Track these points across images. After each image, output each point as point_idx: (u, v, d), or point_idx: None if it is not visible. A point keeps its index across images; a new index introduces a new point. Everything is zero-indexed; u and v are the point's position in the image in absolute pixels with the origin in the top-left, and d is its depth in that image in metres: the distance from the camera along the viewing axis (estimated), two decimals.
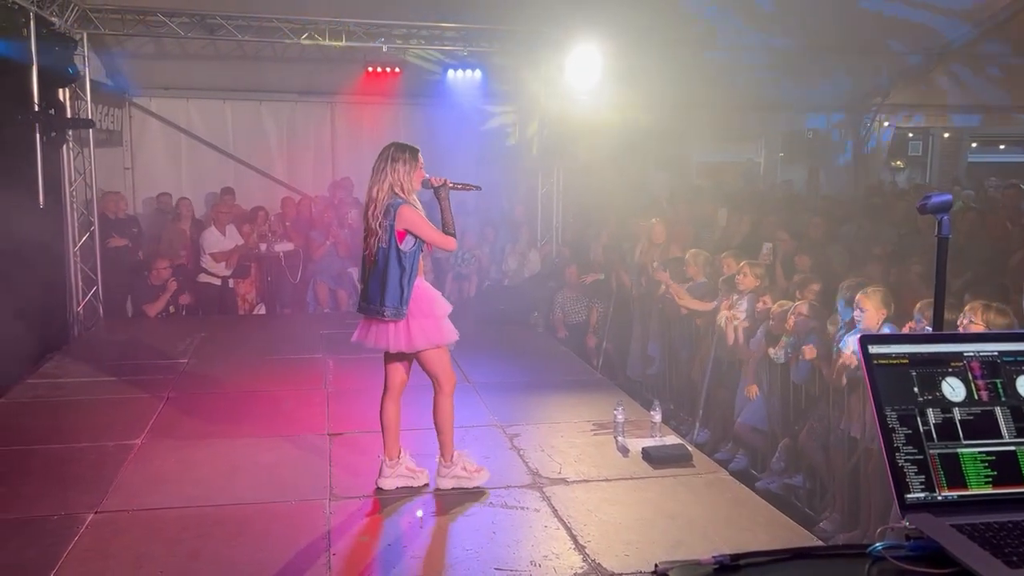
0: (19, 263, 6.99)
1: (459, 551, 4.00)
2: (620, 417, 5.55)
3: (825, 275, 6.27)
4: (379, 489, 4.65)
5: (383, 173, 4.38)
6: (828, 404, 5.38)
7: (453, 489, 4.63)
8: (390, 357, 4.60)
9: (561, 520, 4.34)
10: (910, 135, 15.57)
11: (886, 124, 13.15)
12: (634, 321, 8.27)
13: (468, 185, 4.72)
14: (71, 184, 8.85)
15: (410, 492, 4.66)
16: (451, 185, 4.59)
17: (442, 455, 4.65)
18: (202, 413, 6.02)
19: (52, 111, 7.66)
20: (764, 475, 5.93)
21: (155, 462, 5.07)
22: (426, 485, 4.72)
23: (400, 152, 4.41)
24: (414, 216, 4.36)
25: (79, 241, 9.03)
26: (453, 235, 4.54)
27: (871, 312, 4.92)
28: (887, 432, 1.40)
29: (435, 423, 4.63)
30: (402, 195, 4.37)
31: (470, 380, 6.97)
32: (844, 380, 5.03)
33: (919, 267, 6.00)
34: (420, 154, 4.47)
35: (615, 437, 5.52)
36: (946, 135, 15.79)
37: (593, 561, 3.90)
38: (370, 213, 4.38)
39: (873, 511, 4.90)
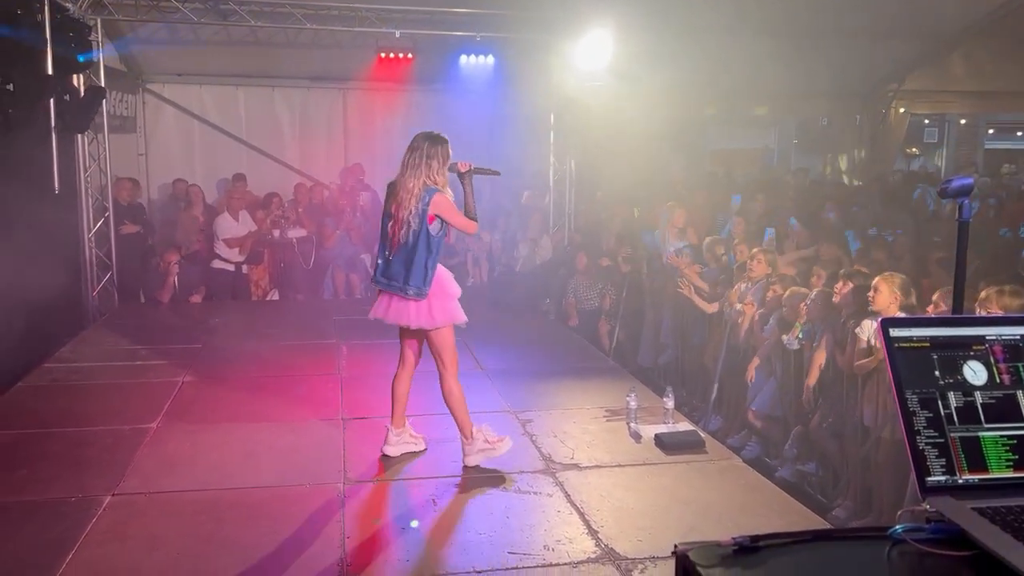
0: (35, 248, 7.04)
1: (472, 535, 4.01)
2: (633, 403, 5.55)
3: (839, 263, 6.24)
4: (385, 456, 4.89)
5: (419, 169, 4.53)
6: (842, 391, 5.36)
7: (480, 465, 4.74)
8: (407, 334, 4.80)
9: (574, 505, 4.35)
10: (926, 122, 15.45)
11: (901, 111, 13.02)
12: (646, 308, 8.26)
13: (489, 170, 4.85)
14: (86, 170, 8.90)
15: (423, 476, 4.70)
16: (474, 170, 4.74)
17: (463, 435, 4.78)
18: (217, 398, 6.07)
19: (67, 97, 7.68)
20: (776, 461, 5.93)
21: (170, 445, 5.11)
22: (425, 450, 4.98)
23: (434, 147, 4.56)
24: (446, 203, 4.56)
25: (94, 227, 9.08)
26: (475, 219, 4.74)
27: (885, 296, 4.90)
28: (908, 415, 1.40)
29: (448, 406, 4.77)
30: (436, 186, 4.55)
31: (482, 366, 6.99)
32: (874, 362, 4.99)
33: (938, 253, 5.97)
34: (449, 144, 4.64)
35: (628, 423, 5.52)
36: (962, 121, 15.66)
37: (606, 546, 3.91)
38: (403, 204, 4.53)
39: (886, 498, 4.89)
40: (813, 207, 8.38)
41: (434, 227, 4.55)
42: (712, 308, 7.01)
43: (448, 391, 4.73)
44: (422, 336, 4.77)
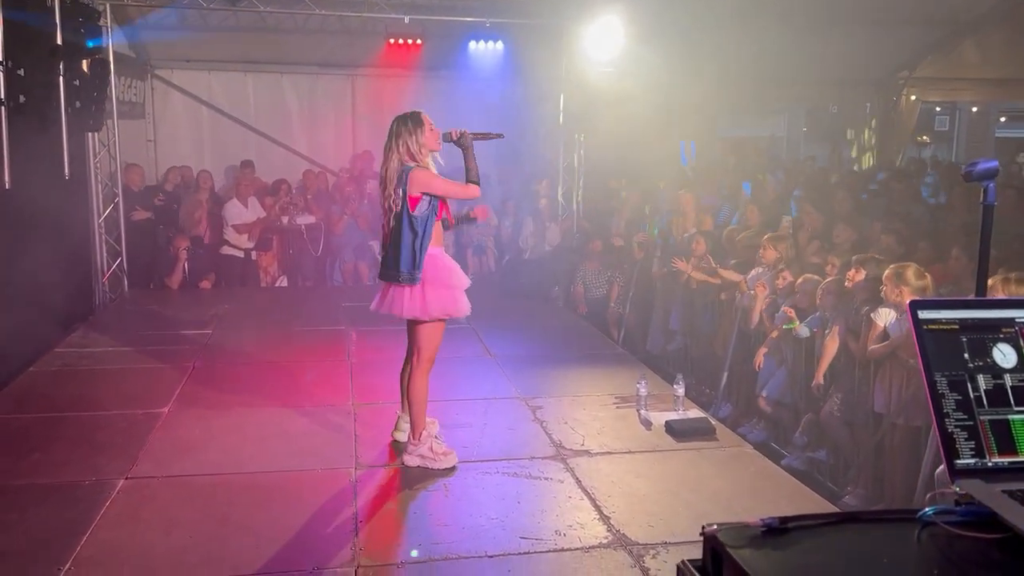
0: (45, 234, 7.05)
1: (484, 520, 4.02)
2: (643, 391, 5.55)
3: (851, 249, 6.21)
4: (395, 441, 4.89)
5: (391, 151, 4.46)
6: (854, 378, 5.34)
7: (419, 468, 4.59)
8: (410, 323, 4.67)
9: (585, 491, 4.35)
10: (937, 109, 15.35)
11: (912, 98, 12.93)
12: (656, 295, 8.25)
13: (489, 134, 4.68)
14: (95, 156, 8.90)
15: None
16: (471, 135, 4.55)
17: (412, 433, 4.65)
18: (228, 383, 6.08)
19: (76, 82, 7.67)
20: (787, 449, 5.92)
21: (183, 430, 5.13)
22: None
23: (402, 124, 4.47)
24: (426, 177, 4.39)
25: (103, 213, 9.09)
26: (476, 183, 4.50)
27: (890, 291, 4.88)
28: (937, 398, 1.39)
29: (408, 399, 4.66)
30: (412, 162, 4.42)
31: (492, 353, 7.00)
32: (886, 350, 4.97)
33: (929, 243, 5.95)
34: (423, 114, 4.51)
35: (638, 410, 5.52)
36: (974, 109, 15.55)
37: (618, 531, 3.92)
38: (386, 189, 4.46)
39: (897, 486, 4.89)
40: (824, 192, 8.34)
41: (419, 208, 4.38)
42: (737, 277, 6.91)
43: (414, 385, 4.58)
44: None
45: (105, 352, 6.94)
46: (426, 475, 4.53)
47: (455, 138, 4.54)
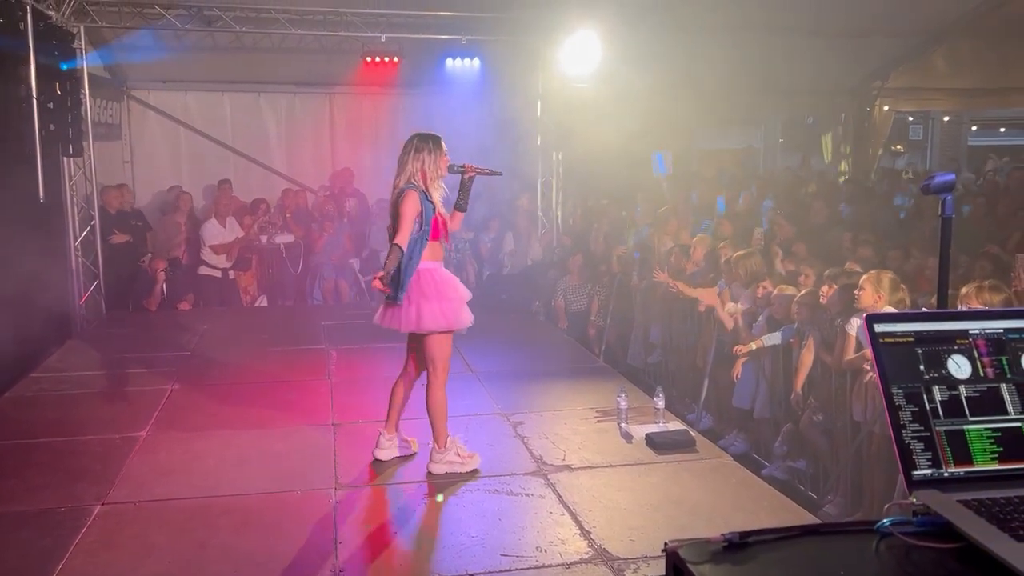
0: (21, 257, 6.98)
1: (464, 538, 4.01)
2: (623, 404, 5.56)
3: (826, 260, 6.27)
4: (376, 460, 4.90)
5: (405, 165, 4.51)
6: (831, 388, 5.39)
7: (446, 474, 4.68)
8: (412, 341, 4.75)
9: (566, 506, 4.35)
10: (910, 119, 15.56)
11: (886, 108, 13.11)
12: (635, 308, 8.29)
13: (492, 171, 4.85)
14: (71, 178, 8.85)
15: (415, 480, 4.69)
16: (477, 170, 4.72)
17: (435, 441, 4.73)
18: (207, 405, 6.04)
19: (51, 105, 7.63)
20: (767, 462, 5.95)
21: (161, 454, 5.09)
22: (415, 454, 4.92)
23: (424, 142, 4.54)
24: (407, 203, 4.41)
25: (80, 235, 9.03)
26: (463, 210, 4.76)
27: (868, 294, 4.93)
28: (893, 410, 1.41)
29: (428, 409, 4.70)
30: (418, 183, 4.46)
31: (473, 369, 7.00)
32: (862, 362, 5.02)
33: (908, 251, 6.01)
34: (443, 141, 4.60)
35: (618, 424, 5.53)
36: (946, 118, 15.78)
37: (599, 546, 3.92)
38: (391, 202, 4.53)
39: (876, 494, 4.92)
40: (800, 202, 8.43)
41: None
42: (706, 295, 6.95)
43: (433, 399, 4.64)
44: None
45: (82, 376, 6.87)
46: (407, 494, 4.53)
47: (468, 175, 4.68)
